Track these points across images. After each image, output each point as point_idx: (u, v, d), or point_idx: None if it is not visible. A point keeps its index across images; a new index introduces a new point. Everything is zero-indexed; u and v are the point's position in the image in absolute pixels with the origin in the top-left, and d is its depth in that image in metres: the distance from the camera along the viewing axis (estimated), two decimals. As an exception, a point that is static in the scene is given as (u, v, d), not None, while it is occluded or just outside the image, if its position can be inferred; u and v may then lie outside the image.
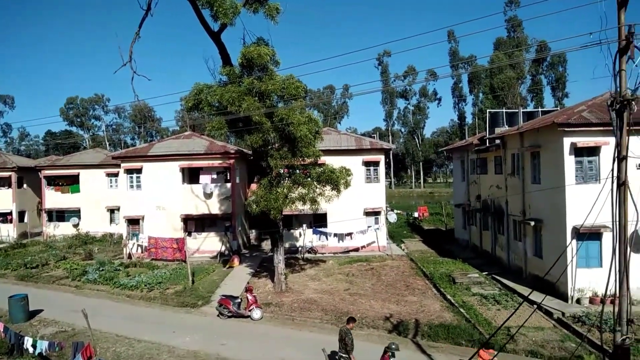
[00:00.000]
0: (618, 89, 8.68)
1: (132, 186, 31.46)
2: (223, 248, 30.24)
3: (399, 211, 49.18)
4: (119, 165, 32.22)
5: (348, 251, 30.66)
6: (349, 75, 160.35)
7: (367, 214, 30.87)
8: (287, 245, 29.39)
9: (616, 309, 8.89)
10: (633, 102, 8.47)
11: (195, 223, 31.55)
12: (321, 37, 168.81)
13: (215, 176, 31.61)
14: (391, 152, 75.37)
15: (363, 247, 30.95)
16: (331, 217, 30.13)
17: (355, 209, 30.23)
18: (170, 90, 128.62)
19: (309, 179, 21.96)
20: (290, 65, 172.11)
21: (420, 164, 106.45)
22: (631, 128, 8.72)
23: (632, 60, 8.49)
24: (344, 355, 12.50)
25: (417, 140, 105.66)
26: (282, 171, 22.13)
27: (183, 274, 24.47)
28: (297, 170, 22.55)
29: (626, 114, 8.55)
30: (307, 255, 29.83)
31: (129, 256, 30.22)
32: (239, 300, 18.80)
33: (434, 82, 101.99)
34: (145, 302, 21.12)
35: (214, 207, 30.65)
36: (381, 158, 31.36)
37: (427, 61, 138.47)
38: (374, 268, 26.33)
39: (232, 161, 30.80)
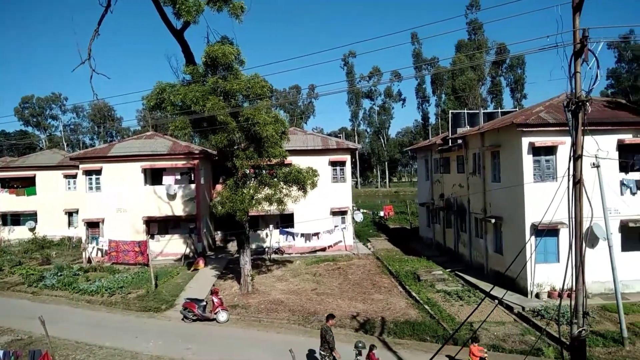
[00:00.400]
0: (573, 91, 9.02)
1: (91, 188, 30.43)
2: (187, 250, 29.67)
3: (365, 210, 49.60)
4: (77, 167, 31.09)
5: (315, 251, 30.69)
6: (315, 75, 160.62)
7: (334, 213, 31.00)
8: (253, 246, 29.15)
9: (573, 303, 9.24)
10: (587, 103, 8.82)
11: (158, 225, 30.83)
12: (287, 37, 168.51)
13: (179, 177, 30.99)
14: (357, 151, 75.89)
15: (330, 246, 31.05)
16: (298, 217, 30.08)
17: (322, 209, 30.29)
18: (131, 89, 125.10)
19: (276, 180, 21.85)
20: (255, 64, 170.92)
21: (386, 163, 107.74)
22: (586, 128, 9.08)
23: (586, 63, 8.83)
24: (324, 353, 12.32)
25: (382, 140, 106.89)
26: (248, 172, 21.91)
27: (146, 277, 23.87)
28: (264, 171, 22.40)
29: (581, 115, 8.89)
30: (274, 256, 29.67)
31: (89, 260, 29.22)
32: (205, 303, 18.49)
33: (399, 83, 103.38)
34: (107, 307, 20.47)
35: (178, 208, 30.05)
36: (347, 158, 31.55)
37: (392, 62, 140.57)
38: (341, 267, 26.46)
39: (196, 162, 30.27)
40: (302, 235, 30.18)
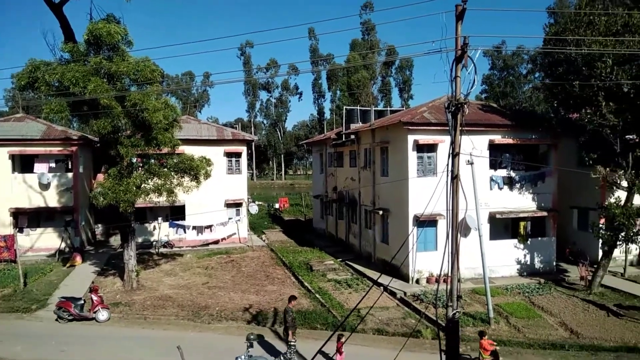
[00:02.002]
0: (454, 93, 9.81)
1: (-57, 175, 26.30)
2: (63, 245, 27.06)
3: (260, 202, 49.41)
4: None
5: (208, 244, 29.87)
6: (211, 63, 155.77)
7: (229, 205, 30.41)
8: (139, 240, 27.51)
9: (448, 287, 10.11)
10: (465, 106, 9.66)
11: (28, 217, 27.64)
12: (181, 21, 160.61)
13: (53, 165, 28.08)
14: (253, 143, 75.17)
15: (223, 239, 30.44)
16: (190, 209, 28.96)
17: (216, 201, 29.53)
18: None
19: (166, 169, 20.79)
20: (146, 47, 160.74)
21: (282, 156, 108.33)
22: (463, 128, 9.94)
23: (465, 68, 9.65)
24: (285, 332, 12.96)
25: (279, 132, 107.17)
26: (134, 160, 20.56)
27: (13, 275, 21.40)
28: (152, 160, 21.17)
29: (460, 116, 9.72)
30: (162, 250, 28.29)
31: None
32: (82, 301, 17.03)
33: (296, 76, 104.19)
34: (-38, 311, 17.93)
35: (52, 199, 27.24)
36: (243, 149, 31.10)
37: (289, 55, 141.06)
38: (235, 260, 26.11)
39: (74, 148, 27.64)
40: (194, 227, 29.17)
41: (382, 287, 18.45)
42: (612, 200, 19.28)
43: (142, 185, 19.89)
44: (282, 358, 13.15)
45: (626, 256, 21.56)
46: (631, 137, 18.69)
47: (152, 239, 29.23)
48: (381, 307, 17.57)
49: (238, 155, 30.93)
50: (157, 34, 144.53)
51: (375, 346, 14.40)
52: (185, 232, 29.28)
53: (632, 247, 20.52)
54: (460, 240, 10.49)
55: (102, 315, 16.78)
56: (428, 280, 20.33)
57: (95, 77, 17.75)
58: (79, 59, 18.45)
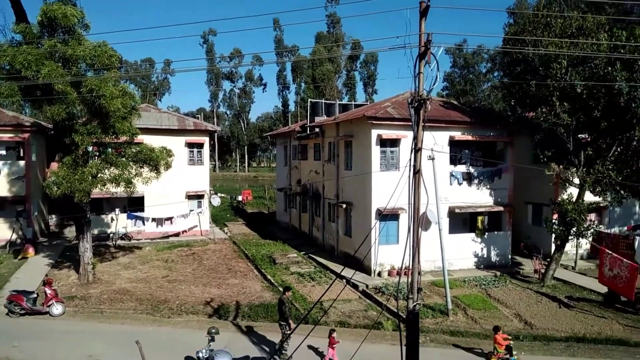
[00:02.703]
0: (417, 89, 9.94)
1: None
2: (14, 236, 25.84)
3: (223, 194, 48.76)
4: None
5: (168, 236, 29.24)
6: (172, 50, 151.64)
7: (190, 197, 29.83)
8: (96, 231, 26.61)
9: (409, 280, 10.30)
10: (428, 102, 9.80)
11: (-25, 208, 26.23)
12: (141, 5, 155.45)
13: (3, 152, 26.73)
14: (216, 134, 73.93)
15: (184, 231, 29.88)
16: (149, 201, 28.21)
17: (177, 192, 28.90)
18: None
19: (124, 159, 20.15)
20: (103, 30, 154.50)
21: (245, 147, 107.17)
22: (425, 124, 10.10)
23: (428, 64, 9.78)
24: (284, 323, 13.26)
25: (242, 123, 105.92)
26: (90, 149, 19.83)
27: (-43, 269, 20.25)
28: (109, 149, 20.47)
29: (422, 112, 9.86)
30: (120, 242, 27.48)
31: None
32: (35, 295, 16.35)
33: (260, 67, 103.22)
34: None
35: (3, 188, 25.91)
36: (205, 140, 30.55)
37: (254, 45, 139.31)
38: (196, 253, 25.69)
39: (26, 135, 26.35)
40: (154, 219, 28.47)
41: (345, 280, 18.63)
42: (565, 196, 20.16)
43: (99, 175, 19.24)
44: (276, 347, 13.35)
45: (577, 250, 22.62)
46: (583, 136, 19.56)
47: (109, 230, 28.34)
48: (344, 299, 17.73)
49: (200, 145, 30.36)
50: (116, 18, 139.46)
51: (338, 338, 14.52)
52: (144, 224, 28.55)
53: (583, 241, 21.53)
54: (421, 234, 10.69)
55: (57, 309, 16.18)
56: (390, 273, 20.67)
57: (50, 61, 16.98)
58: (32, 42, 17.61)
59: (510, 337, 13.24)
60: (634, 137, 17.66)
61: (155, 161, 20.17)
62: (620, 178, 18.50)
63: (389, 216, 19.47)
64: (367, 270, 20.83)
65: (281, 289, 18.81)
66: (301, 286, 19.73)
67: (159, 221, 28.58)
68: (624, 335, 14.83)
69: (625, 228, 24.40)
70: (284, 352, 13.12)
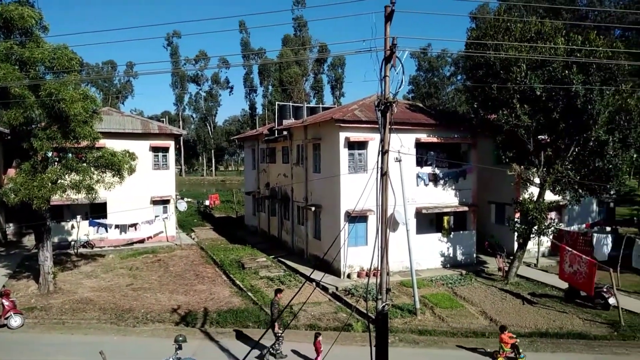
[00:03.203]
0: (383, 92, 10.04)
1: None
2: (-33, 247, 24.64)
3: (189, 199, 47.91)
4: None
5: (132, 243, 28.48)
6: (135, 52, 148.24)
7: (155, 202, 29.18)
8: (56, 239, 25.68)
9: (378, 281, 10.37)
10: (394, 104, 9.92)
11: None
12: (103, 9, 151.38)
13: (-45, 158, 25.44)
14: (182, 138, 72.66)
15: (150, 238, 29.18)
16: (113, 207, 27.42)
17: (142, 198, 28.21)
18: None
19: (85, 164, 19.52)
20: (63, 32, 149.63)
21: (212, 151, 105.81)
22: (392, 127, 10.21)
23: (394, 68, 9.90)
24: (271, 324, 13.50)
25: (209, 127, 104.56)
26: (50, 154, 19.11)
27: None
28: (70, 154, 19.78)
29: (389, 114, 9.96)
30: (82, 250, 26.58)
31: None
32: (-9, 308, 15.61)
33: (226, 70, 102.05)
34: None
35: (-46, 196, 24.66)
36: (171, 144, 29.96)
37: (220, 48, 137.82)
38: (162, 259, 25.13)
39: (-20, 141, 25.21)
40: (117, 226, 27.66)
41: (314, 283, 18.60)
42: (526, 196, 20.82)
43: (59, 181, 18.56)
44: (270, 350, 13.43)
45: (539, 248, 23.37)
46: (543, 137, 20.24)
47: (70, 238, 27.39)
48: (314, 302, 17.71)
49: (165, 149, 29.76)
50: (76, 20, 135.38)
51: (309, 341, 14.48)
52: (107, 231, 27.70)
53: (544, 239, 22.25)
54: (390, 235, 10.79)
55: (15, 321, 15.49)
56: (359, 275, 20.78)
57: (6, 63, 16.35)
58: (-14, 43, 16.85)
59: (515, 336, 13.44)
60: (591, 138, 18.41)
61: (118, 166, 19.61)
62: (578, 177, 19.25)
63: (357, 218, 19.59)
64: (336, 273, 20.87)
65: (250, 294, 18.72)
66: (271, 290, 19.55)
67: (123, 228, 27.81)
68: (584, 329, 15.39)
69: (584, 226, 25.44)
70: (278, 352, 13.39)
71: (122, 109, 74.95)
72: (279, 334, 13.43)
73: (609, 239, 21.32)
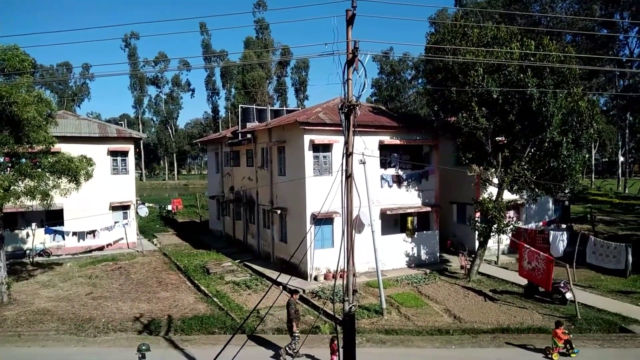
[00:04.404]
0: (346, 95, 10.14)
1: None
2: None
3: (151, 204, 46.79)
4: None
5: (91, 251, 27.53)
6: (91, 54, 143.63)
7: (114, 208, 28.33)
8: (9, 248, 24.50)
9: (345, 282, 10.44)
10: (357, 107, 10.03)
11: None
12: (57, 9, 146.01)
13: None
14: (142, 141, 70.88)
15: (109, 245, 28.29)
16: (69, 214, 26.40)
17: (100, 203, 27.35)
18: None
19: (40, 170, 18.75)
20: (14, 33, 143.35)
21: (174, 155, 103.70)
22: (356, 129, 10.31)
23: (356, 71, 10.02)
24: (289, 325, 13.72)
25: (170, 130, 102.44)
26: (1, 160, 18.26)
27: None
28: (23, 159, 18.96)
29: (352, 117, 10.06)
30: (37, 259, 25.47)
31: None
32: (-63, 324, 14.73)
33: (187, 72, 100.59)
34: None
35: None
36: (130, 147, 29.17)
37: (180, 50, 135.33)
38: (122, 267, 24.40)
39: None
40: (75, 233, 26.66)
41: (281, 286, 18.50)
42: (486, 195, 21.45)
43: (12, 188, 17.76)
44: (286, 349, 13.42)
45: (498, 246, 24.11)
46: (500, 138, 20.92)
47: (25, 247, 26.20)
48: (281, 306, 17.51)
49: (124, 154, 28.96)
50: (29, 21, 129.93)
51: (276, 345, 14.41)
52: (64, 238, 26.67)
53: (503, 237, 22.96)
54: (355, 236, 10.88)
55: (-38, 337, 14.66)
56: (325, 277, 20.83)
57: (-50, 64, 15.48)
58: None
59: (567, 332, 13.56)
60: (546, 139, 19.16)
61: (75, 171, 18.93)
62: (534, 177, 20.00)
63: (323, 220, 19.64)
64: (303, 275, 20.85)
65: (216, 300, 18.44)
66: (237, 295, 19.35)
67: (81, 235, 26.84)
68: (543, 324, 15.94)
69: (541, 223, 26.44)
70: (296, 352, 13.51)
71: (78, 112, 72.43)
72: (296, 334, 13.58)
73: (565, 236, 22.25)
